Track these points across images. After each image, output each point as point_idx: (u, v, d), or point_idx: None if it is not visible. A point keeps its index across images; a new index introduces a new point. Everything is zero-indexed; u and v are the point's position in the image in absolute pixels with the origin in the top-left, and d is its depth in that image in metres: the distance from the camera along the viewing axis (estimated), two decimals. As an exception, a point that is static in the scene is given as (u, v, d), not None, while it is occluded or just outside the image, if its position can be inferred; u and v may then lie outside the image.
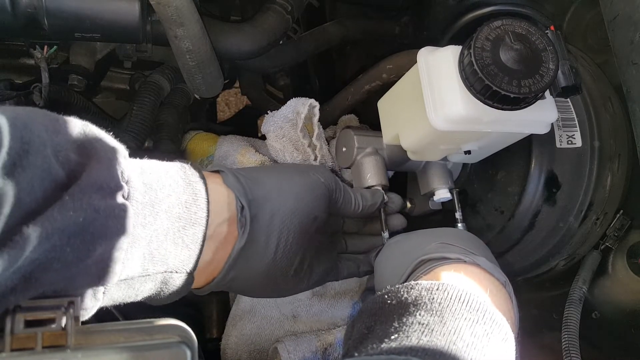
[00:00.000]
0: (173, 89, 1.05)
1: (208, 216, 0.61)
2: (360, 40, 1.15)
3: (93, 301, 0.50)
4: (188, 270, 0.60)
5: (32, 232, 0.41)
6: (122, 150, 0.53)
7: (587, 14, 0.84)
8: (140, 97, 0.97)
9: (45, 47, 0.89)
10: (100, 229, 0.46)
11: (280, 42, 1.03)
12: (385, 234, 0.84)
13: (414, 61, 0.71)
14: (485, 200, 0.85)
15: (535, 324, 0.90)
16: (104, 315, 0.89)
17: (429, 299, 0.52)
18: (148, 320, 0.45)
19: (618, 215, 0.79)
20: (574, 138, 0.77)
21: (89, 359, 0.40)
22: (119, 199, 0.49)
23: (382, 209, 0.84)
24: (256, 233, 0.66)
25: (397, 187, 1.00)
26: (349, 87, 0.99)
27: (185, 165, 0.63)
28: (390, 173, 0.96)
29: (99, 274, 0.48)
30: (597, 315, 0.80)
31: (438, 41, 0.96)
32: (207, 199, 0.62)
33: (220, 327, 1.04)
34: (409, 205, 0.96)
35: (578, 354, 0.73)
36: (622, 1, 0.60)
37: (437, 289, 0.53)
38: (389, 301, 0.54)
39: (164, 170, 0.59)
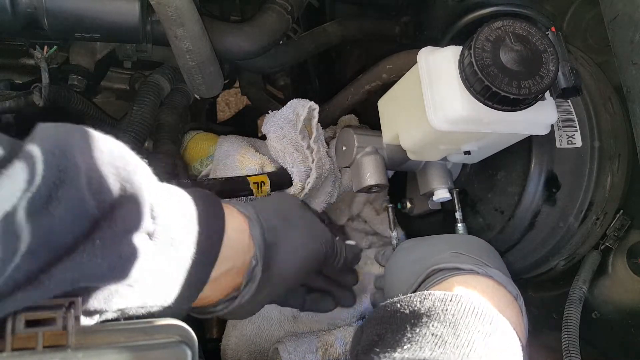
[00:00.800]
0: (173, 89, 1.05)
1: (217, 260, 0.57)
2: (360, 40, 1.15)
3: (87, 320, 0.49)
4: (184, 308, 0.57)
5: (59, 275, 0.40)
6: (153, 180, 0.51)
7: (587, 14, 0.84)
8: (140, 97, 0.97)
9: (45, 47, 0.89)
10: (119, 272, 0.45)
11: (280, 42, 1.03)
12: (394, 234, 0.85)
13: (414, 61, 0.71)
14: (485, 200, 0.85)
15: (535, 324, 0.90)
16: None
17: (442, 310, 0.52)
18: (148, 320, 0.45)
19: (618, 215, 0.79)
20: (574, 138, 0.77)
21: (90, 359, 0.40)
22: (145, 241, 0.48)
23: (389, 209, 0.84)
24: (258, 290, 0.63)
25: (397, 187, 1.00)
26: (349, 87, 0.99)
27: (211, 198, 0.59)
28: (390, 173, 0.96)
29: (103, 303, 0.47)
30: (597, 315, 0.80)
31: (438, 41, 0.96)
32: (223, 239, 0.58)
33: (220, 328, 1.04)
34: (408, 205, 0.96)
35: (578, 354, 0.73)
36: (622, 1, 0.60)
37: (451, 301, 0.53)
38: (401, 310, 0.54)
39: (187, 205, 0.55)
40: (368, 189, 0.85)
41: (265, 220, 0.64)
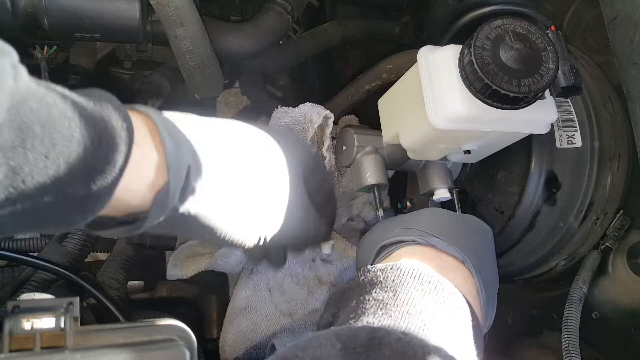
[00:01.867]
0: (173, 88, 1.05)
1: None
2: (360, 40, 1.15)
3: None
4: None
5: None
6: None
7: (587, 14, 0.84)
8: (140, 97, 0.97)
9: (45, 47, 0.89)
10: None
11: (280, 42, 1.03)
12: (380, 212, 0.85)
13: (414, 61, 0.71)
14: (485, 200, 0.85)
15: (535, 324, 0.90)
16: (105, 313, 0.89)
17: (383, 278, 0.55)
18: (147, 320, 0.45)
19: (618, 215, 0.79)
20: (574, 138, 0.77)
21: (88, 360, 0.40)
22: None
23: (375, 189, 0.84)
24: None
25: (397, 186, 1.00)
26: (349, 87, 0.99)
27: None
28: (390, 172, 0.96)
29: None
30: (597, 315, 0.80)
31: (438, 41, 0.95)
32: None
33: (220, 327, 1.04)
34: (408, 205, 0.96)
35: (578, 354, 0.73)
36: (622, 1, 0.60)
37: (391, 269, 0.57)
38: (349, 287, 0.57)
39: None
40: (368, 189, 0.85)
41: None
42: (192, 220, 0.53)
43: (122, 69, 1.10)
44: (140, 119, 0.50)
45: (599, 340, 0.80)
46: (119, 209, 0.50)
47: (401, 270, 0.56)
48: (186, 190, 0.51)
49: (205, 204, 0.53)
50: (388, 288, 0.54)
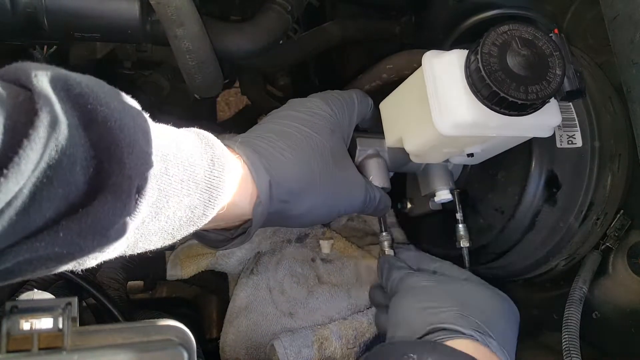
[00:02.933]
0: (173, 88, 1.05)
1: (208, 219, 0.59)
2: (360, 40, 1.15)
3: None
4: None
5: (12, 258, 0.40)
6: (149, 161, 0.48)
7: (587, 14, 0.84)
8: (140, 98, 0.97)
9: (45, 47, 0.89)
10: (80, 255, 0.45)
11: (280, 41, 1.03)
12: (384, 234, 0.85)
13: (414, 61, 0.71)
14: (485, 200, 0.85)
15: (535, 324, 0.90)
16: (105, 314, 0.89)
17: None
18: (146, 320, 0.45)
19: (618, 215, 0.79)
20: (575, 138, 0.77)
21: (86, 360, 0.39)
22: (126, 226, 0.47)
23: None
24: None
25: (397, 187, 1.00)
26: (349, 87, 0.99)
27: (214, 154, 0.58)
28: (391, 173, 0.96)
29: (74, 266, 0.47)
30: (597, 316, 0.80)
31: (439, 41, 0.95)
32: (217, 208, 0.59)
33: (220, 328, 1.04)
34: (409, 205, 0.96)
35: (578, 354, 0.73)
36: (622, 1, 0.60)
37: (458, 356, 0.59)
38: (408, 352, 0.58)
39: (188, 167, 0.55)
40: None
41: (279, 186, 0.67)
42: (280, 217, 0.70)
43: (122, 68, 1.10)
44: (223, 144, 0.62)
45: (599, 341, 0.80)
46: (231, 221, 0.66)
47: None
48: (273, 198, 0.66)
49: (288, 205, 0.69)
50: None
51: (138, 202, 0.47)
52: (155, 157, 0.49)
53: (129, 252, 0.54)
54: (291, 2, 0.97)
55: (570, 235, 0.80)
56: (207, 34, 0.89)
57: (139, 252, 0.56)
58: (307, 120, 0.75)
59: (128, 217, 0.47)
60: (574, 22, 0.86)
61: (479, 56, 0.61)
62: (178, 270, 1.01)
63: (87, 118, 0.43)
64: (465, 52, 0.65)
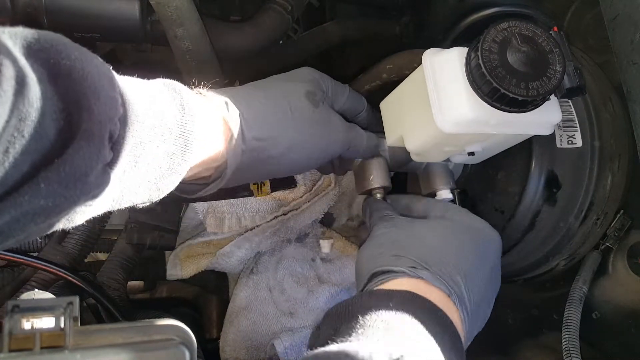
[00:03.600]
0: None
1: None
2: (360, 40, 1.15)
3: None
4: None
5: None
6: (116, 99, 0.50)
7: (587, 14, 0.84)
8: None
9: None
10: (66, 207, 0.46)
11: (280, 41, 1.03)
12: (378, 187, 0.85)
13: (414, 61, 0.71)
14: (485, 200, 0.85)
15: (535, 324, 0.90)
16: (105, 313, 0.89)
17: (387, 302, 0.58)
18: (147, 320, 0.45)
19: (618, 215, 0.79)
20: (575, 138, 0.77)
21: (88, 360, 0.39)
22: (102, 174, 0.48)
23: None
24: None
25: (398, 186, 1.00)
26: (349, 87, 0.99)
27: (182, 100, 0.59)
28: (391, 173, 0.96)
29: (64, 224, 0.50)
30: (597, 315, 0.80)
31: (439, 41, 0.95)
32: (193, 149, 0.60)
33: (220, 327, 1.04)
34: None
35: (578, 354, 0.73)
36: (622, 1, 0.60)
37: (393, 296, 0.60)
38: (352, 305, 0.59)
39: (158, 113, 0.56)
40: (371, 191, 0.85)
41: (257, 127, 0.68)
42: (257, 159, 0.70)
43: (121, 68, 1.10)
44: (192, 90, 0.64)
45: (599, 340, 0.80)
46: (209, 166, 0.66)
47: (403, 296, 0.59)
48: (245, 135, 0.66)
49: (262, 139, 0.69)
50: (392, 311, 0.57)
51: (114, 148, 0.49)
52: (124, 104, 0.50)
53: (116, 207, 0.55)
54: (291, 2, 0.97)
55: (570, 235, 0.80)
56: (207, 34, 0.89)
57: (126, 205, 0.57)
58: (283, 74, 0.79)
59: (106, 165, 0.49)
60: (574, 22, 0.86)
61: (479, 53, 0.61)
62: (178, 270, 1.01)
63: (52, 72, 0.44)
64: (465, 50, 0.65)
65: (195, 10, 0.84)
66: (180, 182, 0.61)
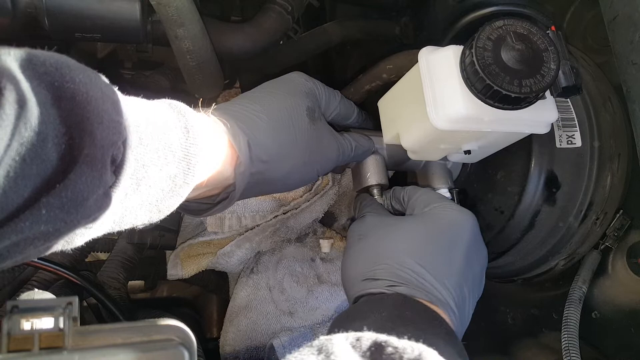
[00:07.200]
0: (173, 89, 1.05)
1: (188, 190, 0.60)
2: (360, 40, 1.15)
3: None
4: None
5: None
6: (121, 126, 0.49)
7: (587, 14, 0.84)
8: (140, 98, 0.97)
9: (46, 47, 0.89)
10: (66, 231, 0.46)
11: (281, 42, 1.03)
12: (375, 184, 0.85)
13: (414, 61, 0.71)
14: (485, 200, 0.85)
15: (535, 323, 0.90)
16: (105, 313, 0.89)
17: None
18: (147, 320, 0.45)
19: (618, 215, 0.79)
20: (574, 138, 0.77)
21: (87, 360, 0.40)
22: (103, 198, 0.48)
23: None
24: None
25: (397, 185, 1.00)
26: (349, 87, 0.99)
27: (187, 122, 0.58)
28: (390, 173, 0.96)
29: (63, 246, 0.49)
30: (597, 315, 0.80)
31: (438, 41, 0.95)
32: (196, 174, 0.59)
33: (220, 327, 1.04)
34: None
35: (578, 353, 0.73)
36: (622, 1, 0.60)
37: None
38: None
39: (162, 136, 0.55)
40: (368, 189, 0.85)
41: (257, 146, 0.68)
42: (261, 180, 0.70)
43: (122, 69, 1.10)
44: (197, 112, 0.63)
45: (599, 340, 0.80)
46: (214, 187, 0.66)
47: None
48: (253, 159, 0.66)
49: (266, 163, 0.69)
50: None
51: (116, 172, 0.48)
52: (128, 127, 0.49)
53: (116, 229, 0.54)
54: (291, 3, 0.97)
55: (570, 235, 0.80)
56: (208, 34, 0.89)
57: (126, 227, 0.56)
58: (280, 84, 0.77)
59: (108, 188, 0.48)
60: (574, 22, 0.86)
61: (473, 50, 0.61)
62: (178, 270, 1.01)
63: (55, 95, 0.44)
64: (460, 48, 0.66)
65: (195, 10, 0.84)
66: (185, 201, 0.61)
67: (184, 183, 0.57)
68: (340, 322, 0.60)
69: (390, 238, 0.71)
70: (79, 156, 0.44)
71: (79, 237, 0.49)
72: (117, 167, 0.49)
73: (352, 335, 0.48)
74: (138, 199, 0.53)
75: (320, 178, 0.97)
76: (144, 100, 0.57)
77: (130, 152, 0.50)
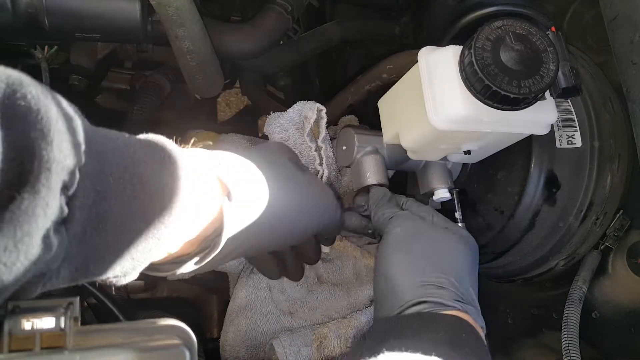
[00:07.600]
0: (174, 89, 1.05)
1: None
2: (360, 41, 1.15)
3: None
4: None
5: None
6: (73, 153, 0.40)
7: (587, 14, 0.84)
8: (140, 98, 0.98)
9: (46, 47, 0.89)
10: (8, 276, 0.37)
11: (281, 42, 1.03)
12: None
13: (414, 61, 0.71)
14: (485, 200, 0.85)
15: (535, 323, 0.90)
16: (106, 313, 0.89)
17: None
18: (147, 320, 0.45)
19: (618, 215, 0.79)
20: (574, 138, 0.77)
21: (88, 360, 0.40)
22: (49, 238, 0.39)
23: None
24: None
25: (397, 186, 1.00)
26: (349, 87, 0.99)
27: (164, 152, 0.51)
28: (391, 172, 0.96)
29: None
30: (597, 315, 0.80)
31: (438, 41, 0.95)
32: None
33: (220, 327, 1.04)
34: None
35: (578, 353, 0.73)
36: (622, 1, 0.60)
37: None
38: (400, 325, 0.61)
39: (130, 164, 0.47)
40: (367, 188, 0.85)
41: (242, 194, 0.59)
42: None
43: (122, 69, 1.10)
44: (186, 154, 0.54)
45: (599, 340, 0.80)
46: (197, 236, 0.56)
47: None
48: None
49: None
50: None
51: (70, 203, 0.40)
52: (87, 153, 0.42)
53: (81, 279, 0.46)
54: (291, 3, 0.97)
55: (570, 235, 0.80)
56: (208, 35, 0.89)
57: (95, 278, 0.47)
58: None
59: (60, 223, 0.40)
60: (574, 22, 0.86)
61: (472, 50, 0.61)
62: (178, 270, 1.01)
63: (6, 115, 0.36)
64: (460, 48, 0.66)
65: (195, 10, 0.84)
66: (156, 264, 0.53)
67: (160, 223, 0.48)
68: (388, 331, 0.59)
69: (449, 249, 0.70)
70: (25, 183, 0.37)
71: (32, 287, 0.41)
72: (70, 197, 0.40)
73: None
74: (102, 240, 0.44)
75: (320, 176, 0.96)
76: (121, 132, 0.49)
77: (89, 180, 0.42)
